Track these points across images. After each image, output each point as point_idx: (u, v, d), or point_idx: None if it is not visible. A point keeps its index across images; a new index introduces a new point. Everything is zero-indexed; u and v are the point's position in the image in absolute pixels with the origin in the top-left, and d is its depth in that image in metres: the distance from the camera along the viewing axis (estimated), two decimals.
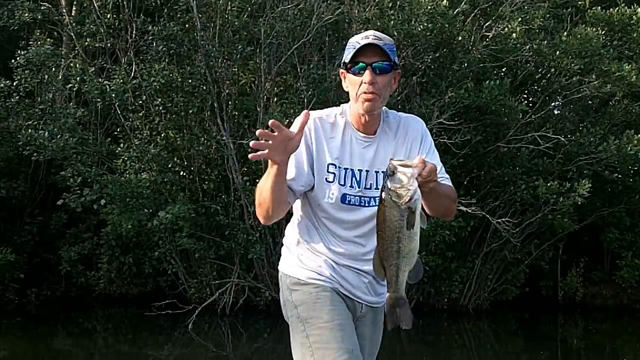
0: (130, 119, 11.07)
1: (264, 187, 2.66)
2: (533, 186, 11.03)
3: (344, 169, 2.77)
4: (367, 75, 2.71)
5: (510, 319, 12.83)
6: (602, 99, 12.52)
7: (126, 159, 10.58)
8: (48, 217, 12.10)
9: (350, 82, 2.78)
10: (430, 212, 2.71)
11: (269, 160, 2.58)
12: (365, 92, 2.72)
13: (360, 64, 2.73)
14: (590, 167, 11.51)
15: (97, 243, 11.81)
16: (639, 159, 11.19)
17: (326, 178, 2.77)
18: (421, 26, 10.39)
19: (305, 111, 2.64)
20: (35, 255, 12.06)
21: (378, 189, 2.74)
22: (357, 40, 2.75)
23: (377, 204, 2.71)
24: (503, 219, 10.62)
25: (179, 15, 10.99)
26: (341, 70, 2.84)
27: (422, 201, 2.53)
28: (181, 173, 10.95)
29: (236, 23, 10.69)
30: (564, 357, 10.04)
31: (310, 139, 2.77)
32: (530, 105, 11.73)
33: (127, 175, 10.28)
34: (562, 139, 10.71)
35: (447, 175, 2.83)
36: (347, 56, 2.77)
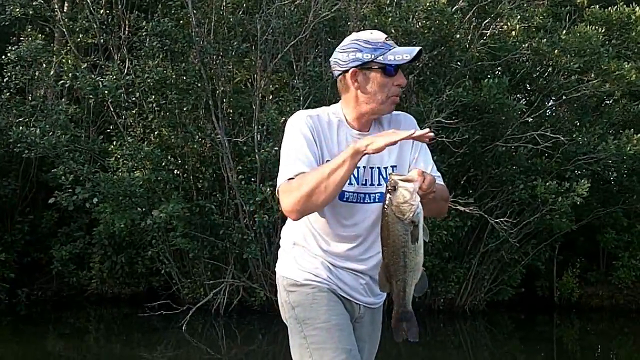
0: (124, 116, 10.94)
1: (335, 176, 2.54)
2: (531, 186, 10.96)
3: None
4: (401, 77, 2.73)
5: (507, 320, 12.79)
6: (600, 98, 12.47)
7: (119, 156, 10.46)
8: (39, 215, 11.98)
9: (379, 83, 2.72)
10: (423, 213, 2.69)
11: (363, 147, 2.52)
12: (396, 95, 2.75)
13: (395, 65, 2.71)
14: (589, 167, 11.46)
15: (89, 242, 11.69)
16: (639, 158, 11.13)
17: None
18: (419, 23, 10.31)
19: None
20: (26, 254, 11.94)
21: (374, 185, 2.78)
22: (384, 42, 2.72)
23: (372, 200, 2.77)
24: (501, 219, 10.55)
25: (173, 11, 10.92)
26: (354, 69, 2.73)
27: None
28: (175, 171, 10.85)
29: (231, 19, 10.59)
30: (559, 358, 10.02)
31: (316, 136, 2.75)
32: (528, 104, 11.66)
33: (120, 174, 10.17)
34: (562, 138, 10.65)
35: (439, 174, 2.83)
36: (380, 56, 2.70)
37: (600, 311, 13.52)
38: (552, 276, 13.56)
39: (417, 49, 2.72)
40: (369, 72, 2.72)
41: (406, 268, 2.54)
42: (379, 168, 2.78)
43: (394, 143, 2.54)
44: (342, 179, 2.55)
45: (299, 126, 2.74)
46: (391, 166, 2.81)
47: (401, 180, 2.47)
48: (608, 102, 12.89)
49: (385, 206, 2.49)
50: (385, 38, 2.74)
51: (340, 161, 2.54)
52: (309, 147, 2.69)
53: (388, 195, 2.48)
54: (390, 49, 2.70)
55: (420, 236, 2.52)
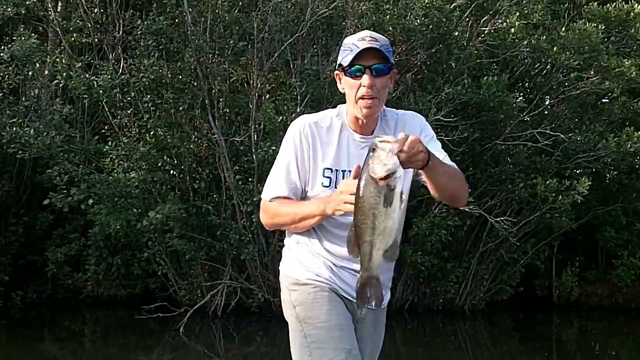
0: (119, 116, 10.84)
1: (305, 223, 2.77)
2: (531, 184, 10.91)
3: (342, 171, 2.80)
4: (366, 78, 2.71)
5: (506, 319, 12.77)
6: (599, 95, 12.41)
7: (114, 157, 10.37)
8: (34, 217, 11.85)
9: (348, 85, 2.77)
10: (438, 195, 2.72)
11: (329, 212, 2.66)
12: (364, 96, 2.71)
13: (358, 67, 2.71)
14: (589, 165, 11.40)
15: (84, 244, 11.55)
16: (639, 156, 11.09)
17: (322, 183, 2.80)
18: (417, 21, 10.24)
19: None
20: (21, 256, 11.81)
21: None
22: (354, 43, 2.73)
23: None
24: (500, 218, 10.49)
25: (168, 10, 10.82)
26: (336, 72, 2.85)
27: (428, 184, 2.63)
28: (171, 172, 10.74)
29: (227, 17, 10.50)
30: (559, 357, 10.01)
31: (308, 146, 2.80)
32: (527, 102, 11.59)
33: (115, 174, 10.06)
34: (562, 135, 10.59)
35: (453, 163, 2.80)
36: (343, 59, 2.75)
37: (599, 310, 13.49)
38: (551, 275, 13.52)
39: (361, 47, 2.69)
40: (342, 75, 2.80)
41: (374, 230, 2.45)
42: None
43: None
44: (310, 226, 2.79)
45: (292, 137, 2.82)
46: None
47: (380, 141, 2.44)
48: (606, 99, 12.85)
49: (362, 167, 2.47)
50: (360, 38, 2.74)
51: (311, 213, 2.73)
52: (297, 164, 2.80)
53: (366, 157, 2.45)
54: (352, 50, 2.72)
55: (395, 201, 2.44)
